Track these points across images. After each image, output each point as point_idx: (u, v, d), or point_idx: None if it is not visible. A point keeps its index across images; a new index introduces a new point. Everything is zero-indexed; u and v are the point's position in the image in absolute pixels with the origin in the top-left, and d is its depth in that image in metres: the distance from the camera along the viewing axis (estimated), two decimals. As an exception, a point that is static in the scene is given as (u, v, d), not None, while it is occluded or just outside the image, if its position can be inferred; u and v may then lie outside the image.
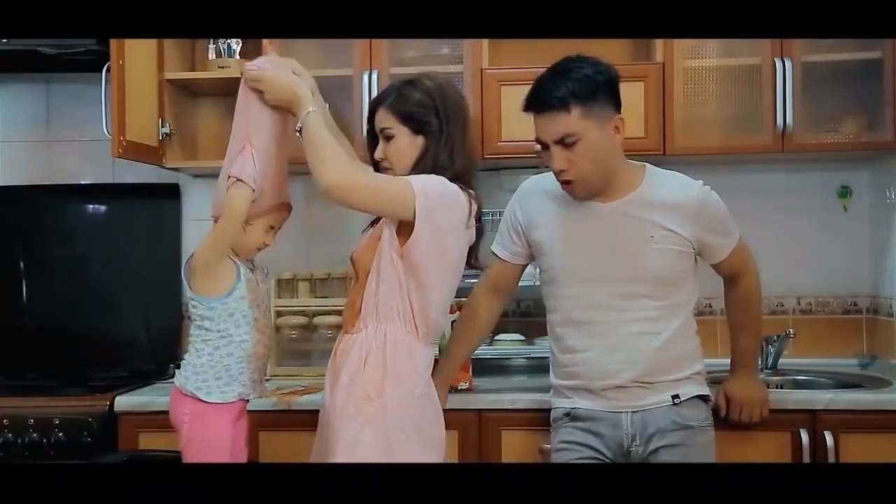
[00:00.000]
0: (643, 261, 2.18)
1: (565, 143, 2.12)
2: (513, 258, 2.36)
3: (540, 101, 2.14)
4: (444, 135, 2.09)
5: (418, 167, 2.08)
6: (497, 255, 2.38)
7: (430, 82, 2.13)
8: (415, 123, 2.09)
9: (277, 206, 2.14)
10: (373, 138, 2.17)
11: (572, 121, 2.10)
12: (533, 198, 2.31)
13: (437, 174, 2.05)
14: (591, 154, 2.13)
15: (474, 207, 2.09)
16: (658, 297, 2.19)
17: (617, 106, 2.16)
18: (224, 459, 2.09)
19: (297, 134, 2.03)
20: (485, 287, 2.39)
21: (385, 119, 2.11)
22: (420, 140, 2.10)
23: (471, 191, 2.09)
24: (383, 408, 1.99)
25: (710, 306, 2.95)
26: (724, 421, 2.35)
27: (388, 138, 2.11)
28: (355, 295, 2.10)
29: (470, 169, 2.13)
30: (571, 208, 2.23)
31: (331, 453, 2.00)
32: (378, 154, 2.13)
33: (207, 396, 2.09)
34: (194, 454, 2.09)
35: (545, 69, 2.18)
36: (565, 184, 2.18)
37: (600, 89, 2.13)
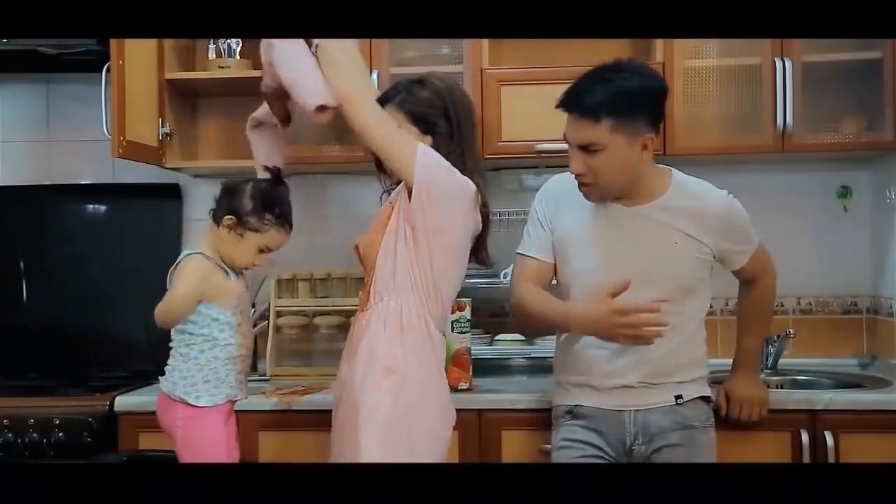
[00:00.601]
0: (666, 267, 2.18)
1: (588, 150, 2.10)
2: (549, 257, 2.30)
3: (572, 102, 2.11)
4: (454, 137, 2.08)
5: None
6: (531, 257, 2.31)
7: (439, 83, 2.13)
8: (424, 124, 2.09)
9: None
10: None
11: (600, 131, 2.08)
12: (556, 198, 2.29)
13: None
14: (611, 166, 2.11)
15: (479, 196, 2.07)
16: (676, 303, 2.18)
17: (653, 122, 2.13)
18: (221, 459, 2.10)
19: (314, 51, 2.03)
20: (529, 281, 2.29)
21: (393, 116, 2.09)
22: (428, 140, 2.08)
23: (476, 187, 2.07)
24: (402, 381, 1.98)
25: (711, 306, 2.92)
26: (724, 419, 2.35)
27: None
28: (368, 278, 2.09)
29: (479, 170, 2.12)
30: (595, 211, 2.22)
31: (350, 427, 1.98)
32: None
33: (197, 401, 2.10)
34: (191, 457, 2.10)
35: (589, 68, 2.14)
36: (583, 185, 2.17)
37: (638, 105, 2.09)
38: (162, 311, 2.08)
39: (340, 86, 2.00)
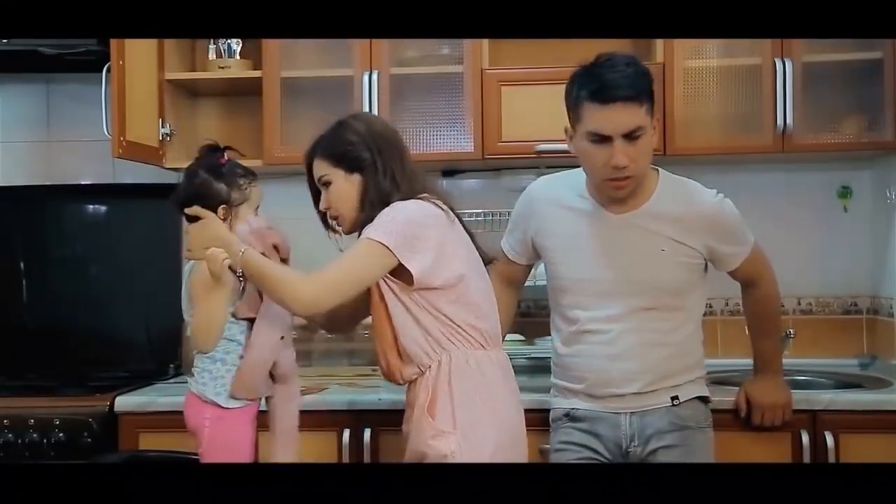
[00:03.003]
0: (654, 274, 2.16)
1: (633, 136, 2.07)
2: (518, 258, 2.36)
3: (618, 89, 2.06)
4: (379, 165, 2.06)
5: (364, 203, 2.06)
6: (504, 252, 2.37)
7: (355, 121, 2.12)
8: (348, 162, 2.07)
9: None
10: (315, 192, 2.15)
11: (642, 114, 2.07)
12: (543, 202, 2.28)
13: (384, 203, 2.03)
14: (647, 151, 2.11)
15: (441, 206, 2.06)
16: (668, 309, 2.18)
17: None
18: (244, 460, 2.11)
19: (240, 277, 2.04)
20: (496, 280, 2.33)
21: (320, 167, 2.10)
22: (356, 178, 2.07)
23: (426, 195, 2.07)
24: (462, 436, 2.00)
25: (711, 306, 2.95)
26: (746, 422, 2.36)
27: (327, 185, 2.09)
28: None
29: (420, 188, 2.09)
30: (582, 217, 2.21)
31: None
32: (322, 205, 2.12)
33: (227, 402, 2.10)
34: (215, 457, 2.09)
35: (589, 64, 2.12)
36: (619, 181, 2.11)
37: (652, 88, 2.12)
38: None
39: (297, 298, 1.98)
